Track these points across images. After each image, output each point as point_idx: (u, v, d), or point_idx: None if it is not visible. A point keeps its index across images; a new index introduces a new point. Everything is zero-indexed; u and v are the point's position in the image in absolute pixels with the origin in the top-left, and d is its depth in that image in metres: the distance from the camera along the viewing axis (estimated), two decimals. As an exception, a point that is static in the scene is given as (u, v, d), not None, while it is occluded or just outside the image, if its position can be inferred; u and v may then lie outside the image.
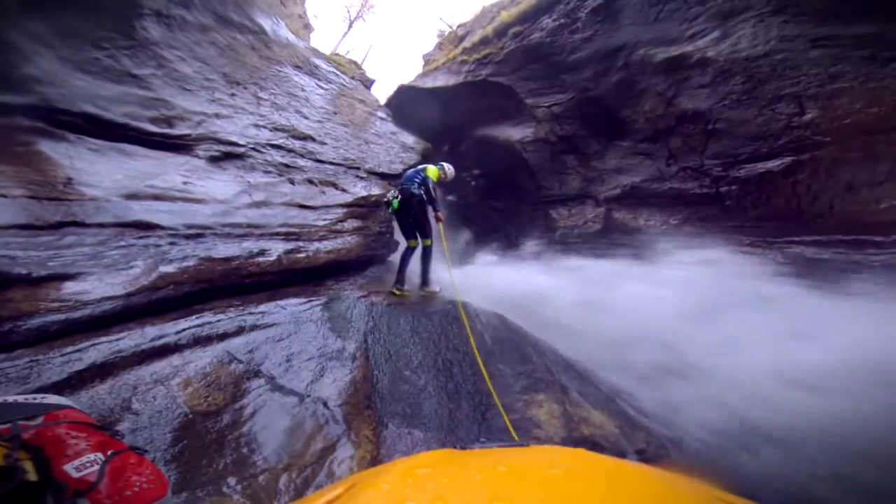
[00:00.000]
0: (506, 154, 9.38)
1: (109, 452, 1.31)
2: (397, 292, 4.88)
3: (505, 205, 10.26)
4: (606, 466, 0.84)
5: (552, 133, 8.61)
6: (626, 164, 7.59)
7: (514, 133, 9.20)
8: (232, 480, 2.07)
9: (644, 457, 2.72)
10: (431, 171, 5.25)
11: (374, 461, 2.44)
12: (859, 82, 4.68)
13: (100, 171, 3.76)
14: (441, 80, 10.50)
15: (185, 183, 4.29)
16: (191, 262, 3.60)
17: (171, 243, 3.67)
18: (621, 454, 2.70)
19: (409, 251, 5.21)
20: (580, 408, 2.99)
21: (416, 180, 5.14)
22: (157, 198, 3.94)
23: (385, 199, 5.30)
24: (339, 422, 2.53)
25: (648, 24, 6.64)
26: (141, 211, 3.70)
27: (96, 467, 1.23)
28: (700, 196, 6.44)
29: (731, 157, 5.95)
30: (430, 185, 5.05)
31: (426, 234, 5.18)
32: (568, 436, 2.67)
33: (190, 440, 2.23)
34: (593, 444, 2.70)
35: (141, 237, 3.55)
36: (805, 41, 5.00)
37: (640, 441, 2.84)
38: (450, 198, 11.12)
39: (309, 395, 2.69)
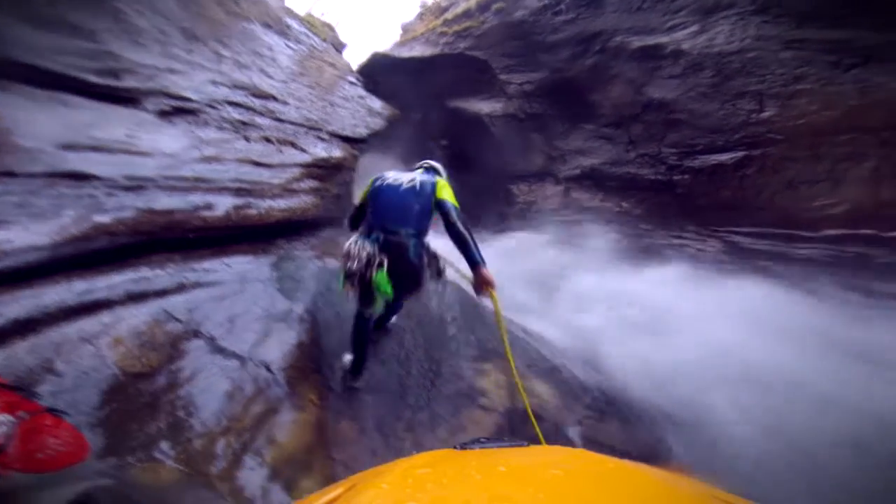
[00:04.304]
0: (473, 127, 9.44)
1: (20, 413, 1.22)
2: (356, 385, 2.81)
3: (467, 176, 10.32)
4: (606, 466, 0.83)
5: (521, 110, 8.70)
6: (588, 147, 7.76)
7: (484, 107, 9.29)
8: (165, 445, 1.99)
9: (581, 429, 2.87)
10: (446, 189, 2.58)
11: (319, 426, 2.41)
12: (820, 85, 4.89)
13: (37, 122, 3.41)
14: (418, 51, 10.36)
15: (128, 136, 3.95)
16: (128, 214, 3.33)
17: (109, 194, 3.36)
18: (560, 425, 2.83)
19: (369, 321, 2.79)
20: (525, 378, 3.06)
21: (417, 208, 2.50)
22: (96, 149, 3.59)
23: (350, 269, 2.40)
24: (282, 385, 2.47)
25: (631, 12, 6.71)
26: (77, 161, 3.37)
27: (4, 429, 1.15)
28: (654, 182, 6.68)
29: (687, 147, 6.18)
30: (462, 226, 2.40)
31: (410, 294, 2.71)
32: (512, 406, 2.75)
33: (120, 403, 2.10)
34: (535, 415, 2.80)
35: (75, 187, 3.23)
36: (779, 42, 5.17)
37: (579, 413, 2.98)
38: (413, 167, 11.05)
39: (251, 358, 2.59)
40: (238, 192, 4.37)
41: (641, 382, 3.62)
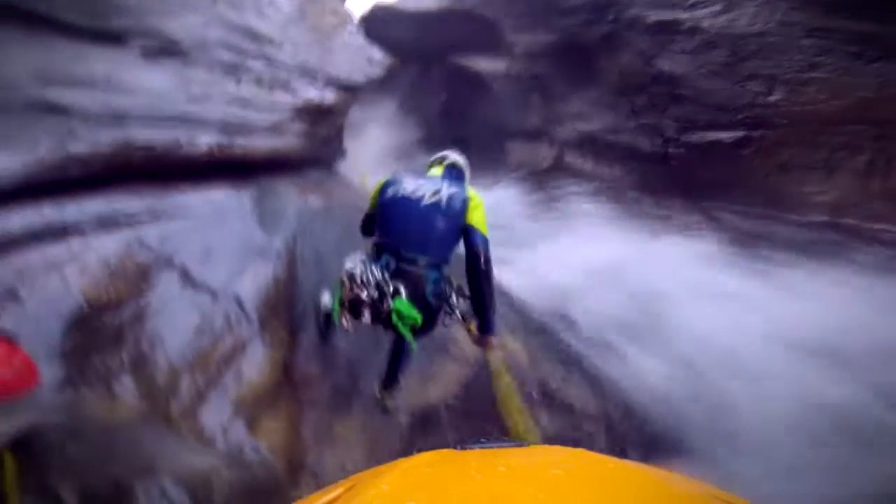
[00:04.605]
0: (474, 84, 9.36)
1: None
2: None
3: (463, 132, 10.24)
4: (607, 466, 0.83)
5: (525, 71, 8.57)
6: (588, 112, 7.66)
7: (487, 65, 9.22)
8: (127, 380, 1.95)
9: (545, 389, 2.93)
10: (479, 211, 2.08)
11: (288, 367, 2.42)
12: (836, 75, 4.82)
13: (15, 57, 3.22)
14: (424, 5, 10.00)
15: (110, 74, 3.76)
16: (105, 144, 3.21)
17: (85, 126, 3.24)
18: (523, 383, 2.90)
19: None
20: (499, 332, 3.05)
21: (440, 231, 2.05)
22: (75, 84, 3.46)
23: (358, 296, 1.99)
24: (253, 322, 2.43)
25: (656, -16, 6.45)
26: (55, 94, 3.24)
27: None
28: (650, 153, 6.66)
29: (688, 122, 6.12)
30: (490, 273, 2.05)
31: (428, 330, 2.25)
32: (483, 357, 2.78)
33: (83, 334, 2.05)
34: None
35: (51, 118, 3.11)
36: (802, 28, 5.05)
37: (544, 372, 3.03)
38: (411, 118, 10.86)
39: (223, 293, 2.53)
40: (223, 130, 4.27)
41: (611, 343, 3.69)
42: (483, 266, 1.98)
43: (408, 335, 1.93)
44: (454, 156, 2.37)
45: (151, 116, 3.71)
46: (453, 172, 2.30)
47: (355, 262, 2.00)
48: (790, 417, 3.14)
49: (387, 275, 1.92)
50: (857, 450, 2.87)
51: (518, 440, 0.94)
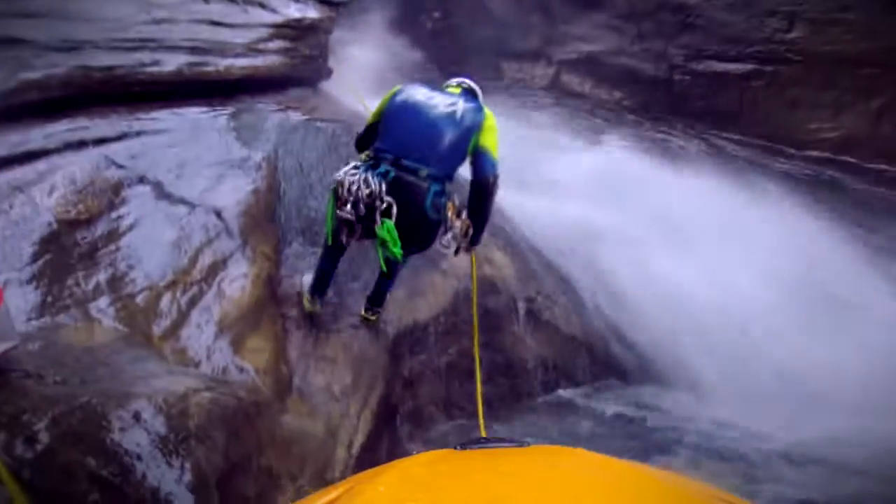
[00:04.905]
0: (472, 3, 8.73)
1: None
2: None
3: (457, 53, 9.74)
4: (608, 467, 0.82)
5: None
6: (592, 34, 7.32)
7: None
8: (103, 302, 1.88)
9: (532, 305, 2.95)
10: (493, 133, 2.02)
11: (270, 280, 2.38)
12: (869, 18, 4.65)
13: None
14: None
15: (64, 5, 3.63)
16: (60, 70, 3.06)
17: (37, 55, 3.10)
18: (512, 299, 2.92)
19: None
20: (486, 247, 3.01)
21: (449, 143, 1.93)
22: (27, 16, 3.33)
23: (342, 215, 1.87)
24: (234, 235, 2.35)
25: None
26: (4, 27, 3.10)
27: None
28: (652, 78, 6.50)
29: (696, 51, 5.95)
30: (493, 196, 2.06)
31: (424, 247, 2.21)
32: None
33: (54, 255, 1.97)
34: (491, 285, 2.83)
35: (3, 51, 2.97)
36: None
37: (532, 290, 3.05)
38: (401, 37, 10.23)
39: (201, 205, 2.42)
40: (193, 50, 4.04)
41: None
42: (490, 190, 1.94)
43: (384, 267, 1.89)
44: (468, 81, 2.25)
45: (111, 42, 3.50)
46: (468, 95, 2.16)
47: (346, 169, 1.86)
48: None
49: (383, 186, 1.77)
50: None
51: (518, 441, 0.94)
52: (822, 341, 3.20)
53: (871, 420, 2.68)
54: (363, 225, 1.83)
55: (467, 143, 1.92)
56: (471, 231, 2.02)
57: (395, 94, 2.01)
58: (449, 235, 2.01)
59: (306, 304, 2.35)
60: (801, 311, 3.46)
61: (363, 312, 2.51)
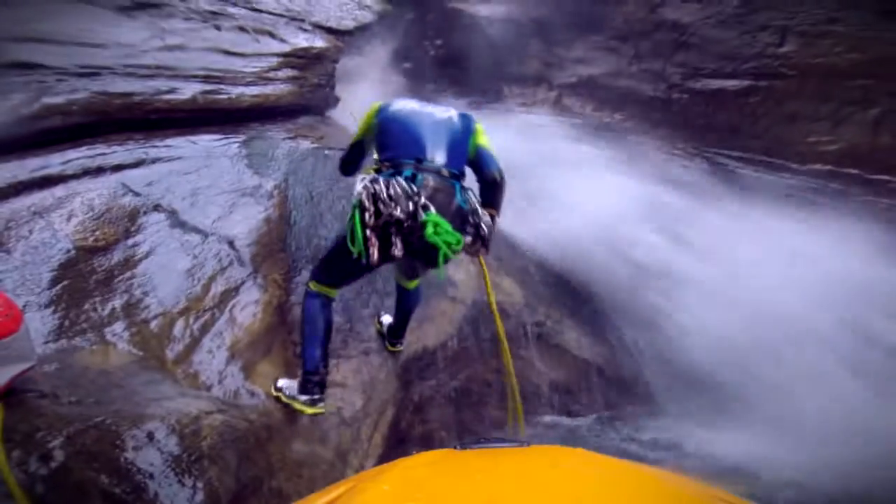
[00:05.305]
0: (470, 29, 8.95)
1: None
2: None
3: (459, 78, 9.94)
4: (608, 467, 0.82)
5: (524, 15, 8.21)
6: (590, 57, 7.48)
7: (483, 9, 8.83)
8: (119, 326, 1.92)
9: (542, 329, 2.96)
10: (486, 136, 2.11)
11: (282, 308, 2.41)
12: (857, 29, 4.69)
13: None
14: None
15: (81, 30, 3.78)
16: (81, 95, 3.17)
17: (59, 80, 3.22)
18: (522, 325, 2.93)
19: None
20: (496, 273, 3.05)
21: (456, 144, 1.98)
22: (44, 41, 3.47)
23: (392, 214, 1.66)
24: (245, 263, 2.40)
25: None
26: (24, 52, 3.25)
27: None
28: (651, 98, 6.58)
29: (693, 69, 6.03)
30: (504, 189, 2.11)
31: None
32: (480, 299, 2.78)
33: (72, 281, 2.02)
34: (500, 311, 2.83)
35: (23, 75, 3.11)
36: None
37: (541, 315, 3.05)
38: (405, 65, 10.49)
39: (214, 234, 2.49)
40: (206, 78, 4.22)
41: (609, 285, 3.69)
42: (500, 185, 1.98)
43: (445, 250, 1.67)
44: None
45: (127, 68, 3.66)
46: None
47: (365, 179, 1.72)
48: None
49: (413, 186, 1.68)
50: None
51: (518, 440, 0.94)
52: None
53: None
54: (406, 231, 1.67)
55: (467, 144, 1.98)
56: (497, 221, 2.01)
57: (380, 109, 2.01)
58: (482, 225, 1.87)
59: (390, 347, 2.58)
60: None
61: (389, 346, 2.57)
